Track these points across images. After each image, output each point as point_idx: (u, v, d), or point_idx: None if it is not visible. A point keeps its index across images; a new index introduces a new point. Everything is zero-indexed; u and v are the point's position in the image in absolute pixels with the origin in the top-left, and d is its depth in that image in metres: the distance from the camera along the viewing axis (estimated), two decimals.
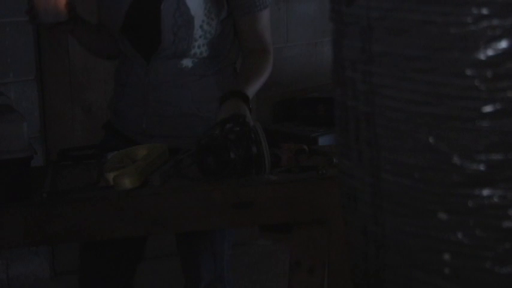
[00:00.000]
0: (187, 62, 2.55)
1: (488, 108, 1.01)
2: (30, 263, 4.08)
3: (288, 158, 2.29)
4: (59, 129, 4.11)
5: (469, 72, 1.01)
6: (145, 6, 2.54)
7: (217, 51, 2.59)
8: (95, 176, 2.21)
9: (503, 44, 0.99)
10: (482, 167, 1.03)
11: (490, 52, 1.00)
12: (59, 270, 4.21)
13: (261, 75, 2.60)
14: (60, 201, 2.05)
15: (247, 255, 4.37)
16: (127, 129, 2.63)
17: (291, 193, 2.15)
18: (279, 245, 4.44)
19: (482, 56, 1.00)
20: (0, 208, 2.01)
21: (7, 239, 2.04)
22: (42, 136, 4.00)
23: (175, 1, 2.50)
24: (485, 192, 1.04)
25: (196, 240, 2.59)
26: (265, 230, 4.34)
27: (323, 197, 2.12)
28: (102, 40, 2.73)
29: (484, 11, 0.99)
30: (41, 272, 4.12)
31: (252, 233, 4.46)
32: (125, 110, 2.63)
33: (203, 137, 2.22)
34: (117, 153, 2.30)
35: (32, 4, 2.46)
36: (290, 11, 4.70)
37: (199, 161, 2.18)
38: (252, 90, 2.51)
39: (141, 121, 2.58)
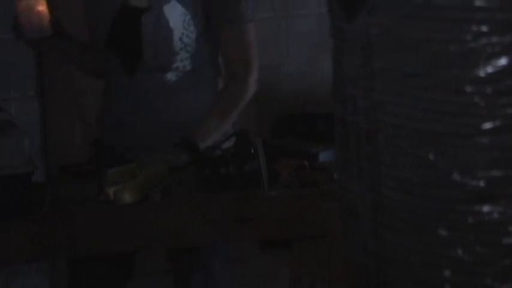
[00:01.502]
0: (171, 76, 2.55)
1: (488, 125, 1.02)
2: (30, 278, 4.07)
3: (288, 174, 2.29)
4: (60, 145, 4.11)
5: (468, 88, 1.01)
6: (127, 20, 2.55)
7: (201, 64, 2.58)
8: (95, 191, 2.21)
9: (502, 61, 1.00)
10: (482, 184, 1.03)
11: (489, 69, 1.00)
12: (59, 286, 4.20)
13: (228, 115, 2.58)
14: (60, 216, 2.06)
15: (247, 271, 4.36)
16: (117, 144, 2.62)
17: (291, 208, 2.15)
18: (280, 261, 4.43)
19: (481, 73, 1.00)
20: (1, 223, 2.01)
21: (8, 254, 2.04)
22: (43, 151, 4.00)
23: (154, 14, 2.50)
24: (486, 208, 1.04)
25: (187, 256, 2.57)
26: (266, 245, 4.33)
27: (323, 212, 2.12)
28: (91, 57, 2.72)
29: (484, 29, 0.99)
30: (41, 287, 4.11)
31: (252, 249, 4.45)
32: (113, 126, 2.63)
33: (204, 152, 2.23)
34: (117, 168, 2.31)
35: (17, 20, 2.47)
36: (290, 26, 4.71)
37: (198, 175, 2.18)
38: (208, 139, 2.50)
39: (129, 136, 2.57)
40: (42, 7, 2.45)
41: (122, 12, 2.54)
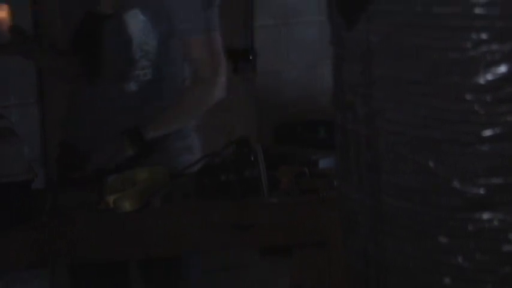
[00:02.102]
0: (132, 86, 2.55)
1: (487, 132, 1.02)
2: (30, 285, 4.07)
3: (289, 181, 2.29)
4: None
5: (468, 96, 1.02)
6: (90, 27, 2.55)
7: (161, 75, 2.57)
8: (95, 198, 2.21)
9: (502, 69, 1.00)
10: (482, 191, 1.04)
11: (489, 76, 1.00)
12: None
13: (188, 114, 2.62)
14: (60, 224, 2.05)
15: (247, 277, 4.35)
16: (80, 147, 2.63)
17: (292, 215, 2.15)
18: (280, 268, 4.42)
19: (481, 81, 1.01)
20: (1, 231, 2.01)
21: (8, 261, 2.04)
22: (43, 159, 4.00)
23: (115, 21, 2.51)
24: (485, 215, 1.04)
25: (162, 270, 2.54)
26: (266, 252, 4.32)
27: (323, 219, 2.12)
28: (60, 63, 2.72)
29: (483, 36, 0.99)
30: None
31: (252, 256, 4.45)
32: (76, 132, 2.64)
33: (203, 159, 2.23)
34: (117, 176, 2.31)
35: None
36: (290, 34, 4.71)
37: (198, 182, 2.18)
38: (159, 131, 2.52)
39: (91, 144, 2.57)
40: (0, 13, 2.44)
41: (86, 19, 2.54)
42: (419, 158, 1.07)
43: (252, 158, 2.18)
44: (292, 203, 2.17)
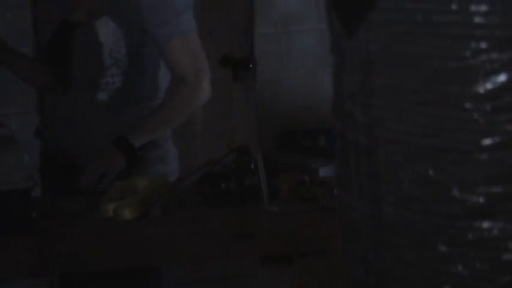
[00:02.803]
0: (102, 95, 2.54)
1: (487, 141, 1.02)
2: None
3: (289, 189, 2.29)
4: None
5: (468, 105, 1.02)
6: (61, 36, 2.56)
7: (133, 83, 2.55)
8: (95, 206, 2.21)
9: (501, 78, 1.00)
10: (481, 200, 1.04)
11: (488, 85, 1.00)
12: None
13: (174, 117, 2.58)
14: (60, 232, 2.05)
15: (247, 286, 4.35)
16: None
17: (292, 224, 2.15)
18: (280, 276, 4.42)
19: (481, 90, 1.01)
20: (1, 238, 2.01)
21: (7, 269, 2.04)
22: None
23: (86, 28, 2.51)
24: (485, 224, 1.04)
25: (133, 282, 2.50)
26: (266, 260, 4.32)
27: (323, 228, 2.12)
28: (39, 72, 2.72)
29: (483, 45, 1.00)
30: None
31: (252, 264, 4.45)
32: (51, 141, 2.65)
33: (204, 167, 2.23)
34: (117, 184, 2.31)
35: None
36: (290, 42, 4.72)
37: (198, 190, 2.19)
38: (145, 137, 2.51)
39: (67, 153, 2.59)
40: None
41: (59, 28, 2.55)
42: (419, 167, 1.07)
43: (252, 166, 2.18)
44: (293, 211, 2.17)
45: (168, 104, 2.59)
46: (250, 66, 4.12)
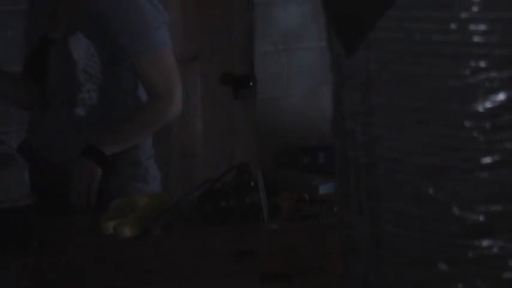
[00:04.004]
0: (79, 110, 2.56)
1: (487, 159, 1.02)
2: None
3: (289, 207, 2.29)
4: None
5: (467, 123, 1.02)
6: (39, 52, 2.58)
7: (110, 99, 2.58)
8: (94, 224, 2.21)
9: (501, 96, 1.00)
10: (481, 218, 1.04)
11: (488, 104, 1.01)
12: None
13: (145, 129, 2.62)
14: (59, 249, 2.05)
15: None
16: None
17: (292, 242, 2.15)
18: None
19: (480, 108, 1.01)
20: (1, 256, 2.01)
21: (7, 287, 2.03)
22: None
23: (60, 45, 2.54)
24: (485, 242, 1.04)
25: None
26: (266, 278, 4.31)
27: (324, 245, 2.12)
28: (22, 90, 2.72)
29: (482, 64, 1.00)
30: None
31: (252, 282, 4.43)
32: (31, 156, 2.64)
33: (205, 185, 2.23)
34: (117, 201, 2.31)
35: None
36: (290, 60, 4.73)
37: (199, 207, 2.19)
38: (112, 147, 2.52)
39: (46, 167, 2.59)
40: None
41: (37, 44, 2.58)
42: (419, 185, 1.07)
43: (253, 184, 2.19)
44: (293, 229, 2.17)
45: (138, 117, 2.62)
46: (250, 84, 4.13)
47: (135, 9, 2.59)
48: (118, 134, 2.58)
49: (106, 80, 2.55)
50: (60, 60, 2.56)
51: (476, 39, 1.00)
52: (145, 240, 2.10)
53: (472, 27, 1.00)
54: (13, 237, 2.02)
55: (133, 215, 2.16)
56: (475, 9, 0.99)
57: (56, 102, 2.57)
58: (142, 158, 2.62)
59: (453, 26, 1.01)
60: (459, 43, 1.01)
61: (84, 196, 2.42)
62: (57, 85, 2.56)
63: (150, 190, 2.59)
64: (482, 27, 0.99)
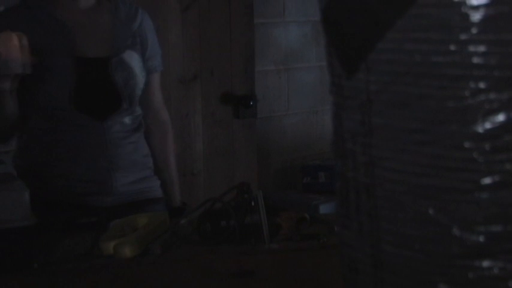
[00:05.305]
0: (128, 120, 2.70)
1: (487, 180, 1.02)
2: None
3: (289, 226, 2.29)
4: None
5: (467, 144, 1.02)
6: (94, 77, 2.60)
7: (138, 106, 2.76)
8: (94, 244, 2.21)
9: (500, 118, 1.00)
10: (482, 239, 1.04)
11: (487, 125, 1.01)
12: None
13: (174, 159, 2.95)
14: (58, 270, 2.05)
15: None
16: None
17: (292, 262, 2.14)
18: None
19: (480, 129, 1.01)
20: (1, 277, 2.00)
21: None
22: None
23: (118, 64, 2.58)
24: (486, 263, 1.04)
25: None
26: None
27: (324, 266, 2.12)
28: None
29: (481, 85, 1.00)
30: None
31: None
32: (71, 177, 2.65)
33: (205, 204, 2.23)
34: (117, 221, 2.31)
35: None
36: (291, 79, 4.74)
37: (199, 227, 2.18)
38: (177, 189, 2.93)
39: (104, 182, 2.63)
40: (24, 41, 2.41)
41: (86, 66, 2.56)
42: (419, 206, 1.07)
43: (253, 204, 2.19)
44: (293, 249, 2.16)
45: (168, 152, 2.94)
46: (251, 103, 4.14)
47: (153, 28, 2.85)
48: (177, 186, 2.92)
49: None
50: (124, 77, 2.66)
51: (475, 60, 1.00)
52: (146, 260, 2.10)
53: (472, 48, 1.00)
54: (13, 258, 2.02)
55: (133, 235, 2.16)
56: (474, 30, 0.99)
57: (118, 116, 2.66)
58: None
59: (453, 47, 1.01)
60: (459, 64, 1.01)
61: None
62: (127, 102, 2.68)
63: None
64: (481, 48, 1.00)
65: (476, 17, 0.99)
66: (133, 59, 2.65)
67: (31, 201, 2.54)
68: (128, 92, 2.66)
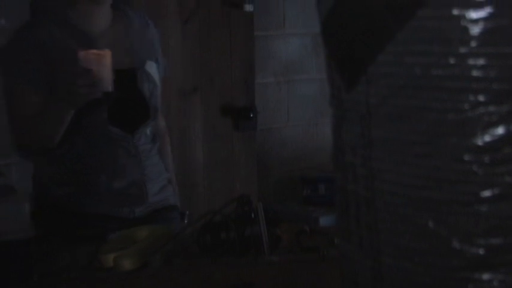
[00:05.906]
0: (149, 130, 2.75)
1: (486, 193, 1.02)
2: None
3: (289, 239, 2.29)
4: None
5: (467, 157, 1.02)
6: (124, 90, 2.60)
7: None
8: (94, 257, 2.20)
9: (499, 130, 1.00)
10: (481, 251, 1.04)
11: (487, 138, 1.01)
12: None
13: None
14: (59, 282, 2.05)
15: None
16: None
17: (292, 274, 2.14)
18: None
19: (479, 142, 1.01)
20: None
21: None
22: None
23: (144, 75, 2.60)
24: (485, 276, 1.04)
25: None
26: None
27: (324, 278, 2.12)
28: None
29: (481, 98, 1.00)
30: None
31: None
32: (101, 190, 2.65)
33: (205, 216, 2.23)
34: (118, 234, 2.31)
35: (92, 74, 2.35)
36: (291, 91, 4.74)
37: (199, 240, 2.18)
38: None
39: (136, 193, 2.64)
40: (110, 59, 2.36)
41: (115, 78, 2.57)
42: (419, 219, 1.07)
43: (253, 216, 2.19)
44: (293, 261, 2.16)
45: (169, 158, 2.97)
46: (251, 115, 4.14)
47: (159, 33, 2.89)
48: (175, 185, 2.96)
49: None
50: (149, 89, 2.70)
51: (475, 73, 1.00)
52: (145, 273, 2.09)
53: (471, 61, 1.00)
54: (13, 269, 2.01)
55: (133, 248, 2.16)
56: (473, 44, 1.00)
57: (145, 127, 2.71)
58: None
59: (452, 60, 1.01)
60: (458, 77, 1.02)
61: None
62: (153, 113, 2.73)
63: None
64: (481, 61, 1.00)
65: (475, 30, 1.00)
66: (153, 69, 2.69)
67: (62, 213, 2.57)
68: (153, 103, 2.69)
